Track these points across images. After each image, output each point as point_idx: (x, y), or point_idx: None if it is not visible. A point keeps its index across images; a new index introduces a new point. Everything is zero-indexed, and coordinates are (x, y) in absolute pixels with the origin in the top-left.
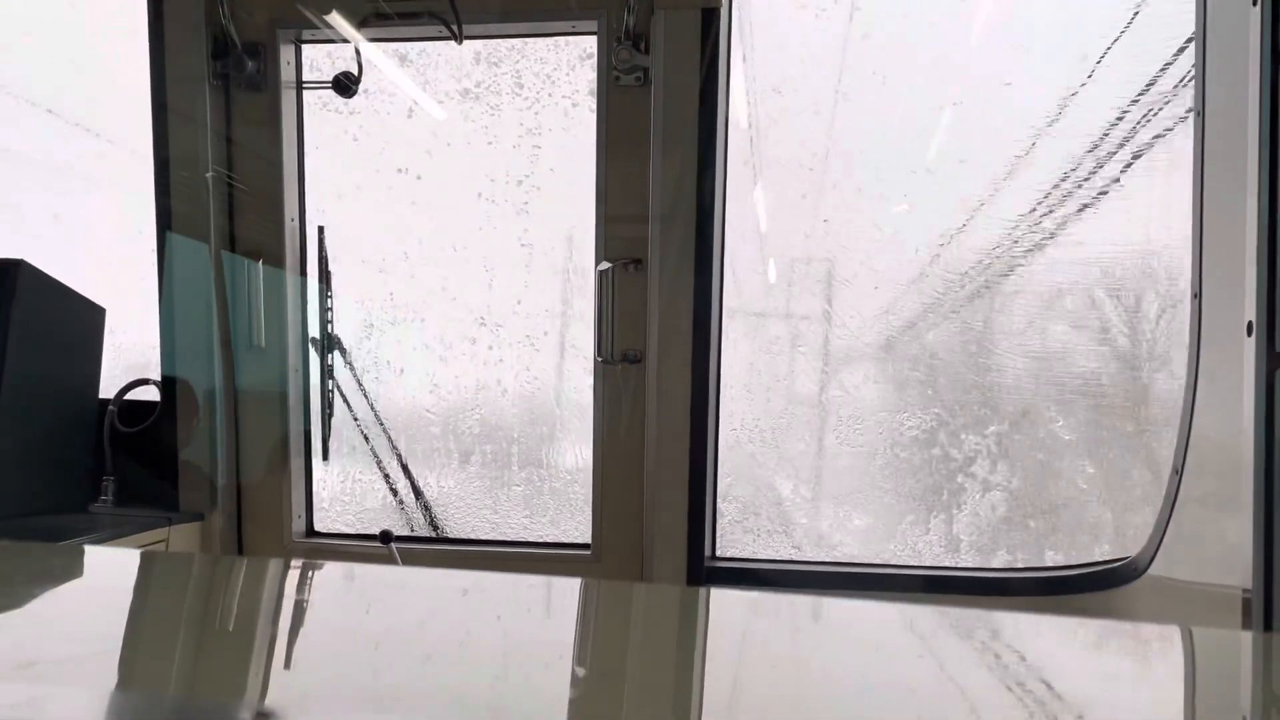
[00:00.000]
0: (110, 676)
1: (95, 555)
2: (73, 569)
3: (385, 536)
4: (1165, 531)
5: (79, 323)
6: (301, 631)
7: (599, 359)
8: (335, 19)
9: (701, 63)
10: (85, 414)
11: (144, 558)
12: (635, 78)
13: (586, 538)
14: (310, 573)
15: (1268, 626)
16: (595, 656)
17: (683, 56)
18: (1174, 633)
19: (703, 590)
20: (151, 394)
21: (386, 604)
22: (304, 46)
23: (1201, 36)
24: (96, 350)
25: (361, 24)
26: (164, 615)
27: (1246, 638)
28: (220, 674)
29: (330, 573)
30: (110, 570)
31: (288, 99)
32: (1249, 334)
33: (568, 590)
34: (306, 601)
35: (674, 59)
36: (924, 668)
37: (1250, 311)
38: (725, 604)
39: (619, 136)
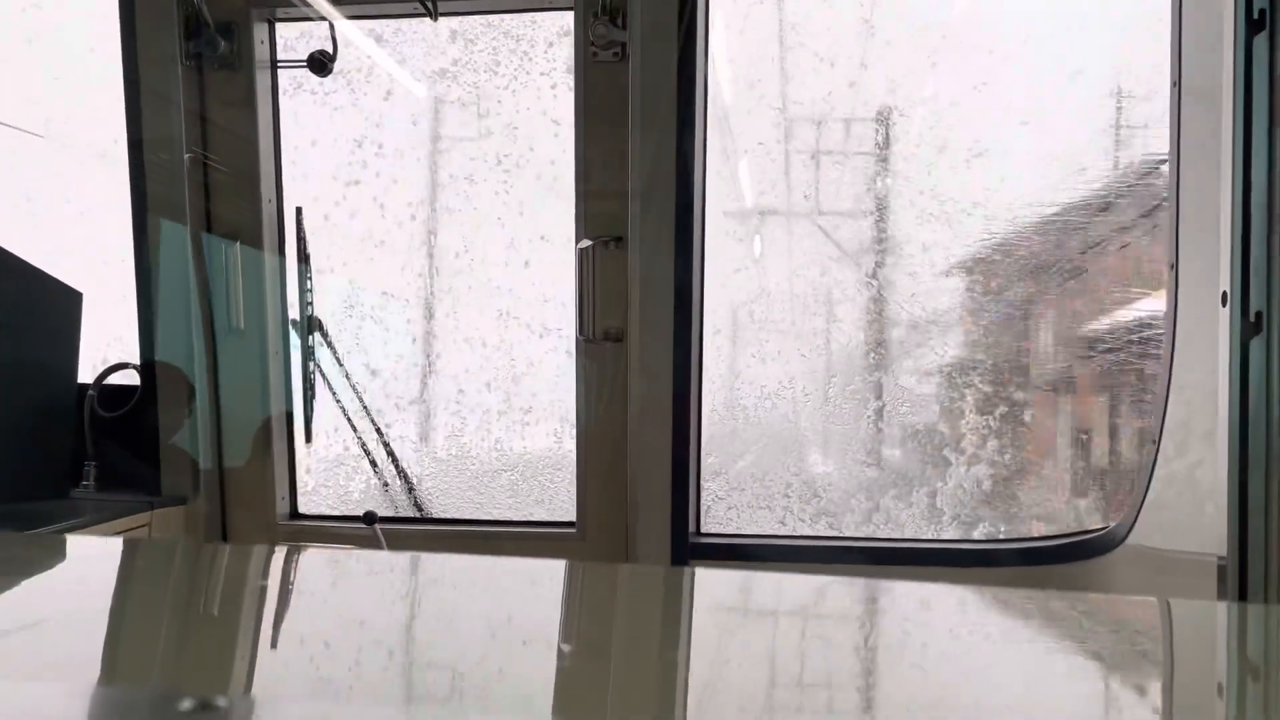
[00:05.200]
0: (93, 668)
1: (76, 544)
2: (53, 558)
3: (370, 518)
4: (1143, 501)
5: (55, 307)
6: (285, 618)
7: (580, 337)
8: None
9: (679, 36)
10: (64, 399)
11: (126, 545)
12: (613, 53)
13: (570, 515)
14: (294, 558)
15: (1242, 594)
16: (581, 638)
17: (660, 30)
18: (1152, 604)
19: (688, 570)
20: (131, 378)
21: (371, 589)
22: (278, 25)
23: (1178, 9)
24: (74, 334)
25: (336, 1)
26: (147, 605)
27: (1222, 607)
28: (204, 663)
29: (314, 559)
30: (92, 559)
31: (263, 78)
32: (1223, 304)
33: (552, 573)
34: (289, 589)
35: (651, 33)
36: (909, 643)
37: (1225, 281)
38: (710, 583)
39: (597, 113)
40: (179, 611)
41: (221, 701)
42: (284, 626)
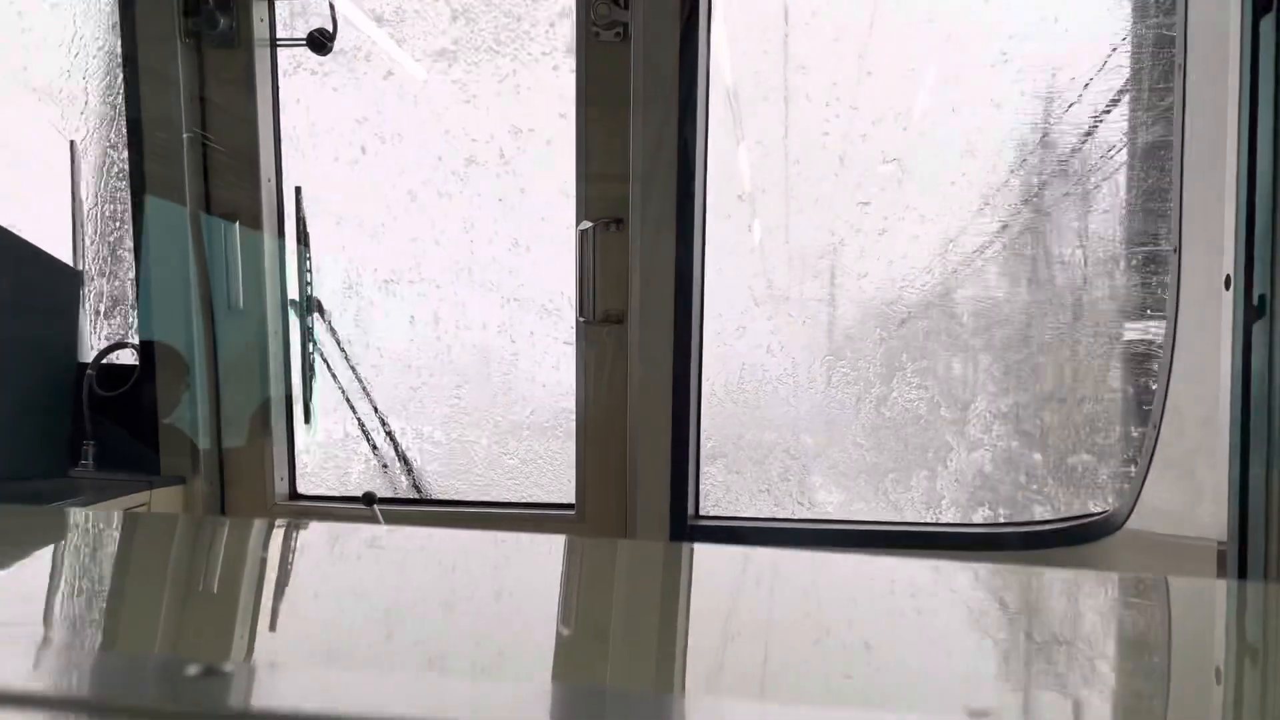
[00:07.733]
0: (94, 637)
1: (77, 517)
2: (54, 530)
3: (369, 498)
4: (1143, 486)
5: (56, 287)
6: (285, 590)
7: (580, 319)
8: None
9: (681, 16)
10: (64, 378)
11: (126, 519)
12: (615, 33)
13: (570, 497)
14: (294, 532)
15: (1241, 579)
16: (580, 612)
17: (662, 10)
18: (1152, 582)
19: (686, 546)
20: (130, 357)
21: (370, 562)
22: (277, 3)
23: None
24: (74, 314)
25: None
26: (148, 576)
27: (1221, 585)
28: (205, 633)
29: (314, 532)
30: (92, 531)
31: (262, 57)
32: (1227, 287)
33: (552, 547)
34: (290, 561)
35: (654, 13)
36: (908, 620)
37: (1228, 265)
38: (709, 560)
39: (598, 94)
40: (180, 582)
41: (223, 668)
42: (284, 597)
